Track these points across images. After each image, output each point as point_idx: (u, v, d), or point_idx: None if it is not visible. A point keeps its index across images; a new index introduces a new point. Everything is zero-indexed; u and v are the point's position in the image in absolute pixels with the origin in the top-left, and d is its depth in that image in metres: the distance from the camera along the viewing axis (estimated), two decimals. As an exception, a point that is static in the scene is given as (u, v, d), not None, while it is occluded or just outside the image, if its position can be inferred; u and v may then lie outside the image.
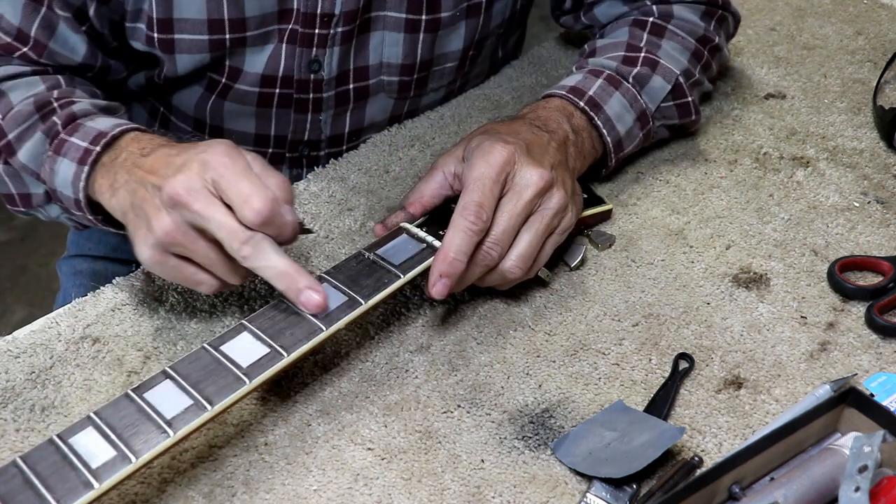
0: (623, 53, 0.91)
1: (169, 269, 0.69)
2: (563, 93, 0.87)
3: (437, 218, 0.78)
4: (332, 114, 0.97)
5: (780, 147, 0.96)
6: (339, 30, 0.89)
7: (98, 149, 0.75)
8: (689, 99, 0.92)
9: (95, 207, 0.77)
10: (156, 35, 0.87)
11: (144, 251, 0.68)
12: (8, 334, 0.75)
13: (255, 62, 0.91)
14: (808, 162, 0.94)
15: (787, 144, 0.96)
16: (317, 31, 0.89)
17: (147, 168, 0.70)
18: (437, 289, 0.71)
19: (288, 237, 0.67)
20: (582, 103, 0.86)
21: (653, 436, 0.65)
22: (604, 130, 0.86)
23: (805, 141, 0.97)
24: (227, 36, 0.87)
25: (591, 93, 0.87)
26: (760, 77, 1.06)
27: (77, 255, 1.11)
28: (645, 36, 0.93)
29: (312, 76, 0.93)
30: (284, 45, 0.90)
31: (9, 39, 0.85)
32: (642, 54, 0.91)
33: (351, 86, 0.95)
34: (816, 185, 0.91)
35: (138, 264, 0.82)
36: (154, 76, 0.94)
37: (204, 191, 0.65)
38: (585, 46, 0.96)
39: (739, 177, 0.92)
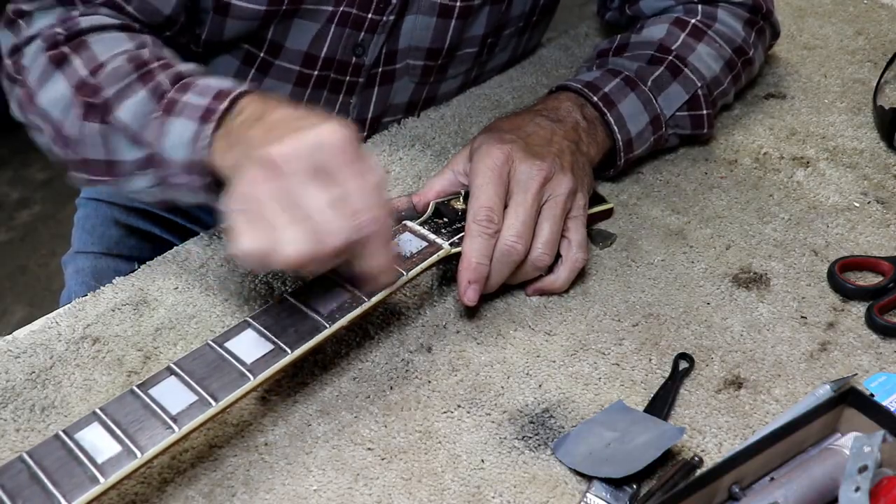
0: (651, 53, 0.91)
1: (247, 221, 0.62)
2: (579, 86, 0.87)
3: (439, 216, 0.78)
4: (360, 97, 0.98)
5: (780, 147, 0.96)
6: (391, 17, 0.91)
7: (224, 105, 0.71)
8: (705, 112, 0.92)
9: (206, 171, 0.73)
10: None
11: (232, 197, 0.63)
12: (8, 334, 0.75)
13: (300, 39, 0.91)
14: (808, 162, 0.94)
15: (787, 144, 0.96)
16: (370, 15, 0.90)
17: (268, 125, 0.66)
18: (468, 295, 0.73)
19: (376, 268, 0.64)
20: (595, 98, 0.86)
21: (653, 436, 0.65)
22: (615, 128, 0.86)
23: (805, 141, 0.97)
24: (283, 7, 0.87)
25: (605, 90, 0.87)
26: (760, 77, 1.06)
27: (80, 252, 1.11)
28: (682, 37, 0.93)
29: (354, 59, 0.93)
30: (333, 26, 0.90)
31: None
32: (670, 57, 0.91)
33: (380, 69, 0.96)
34: (816, 185, 0.91)
35: (140, 262, 0.82)
36: (191, 43, 0.92)
37: (306, 166, 0.61)
38: (618, 37, 0.96)
39: (739, 177, 0.92)
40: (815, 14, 1.19)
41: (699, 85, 0.91)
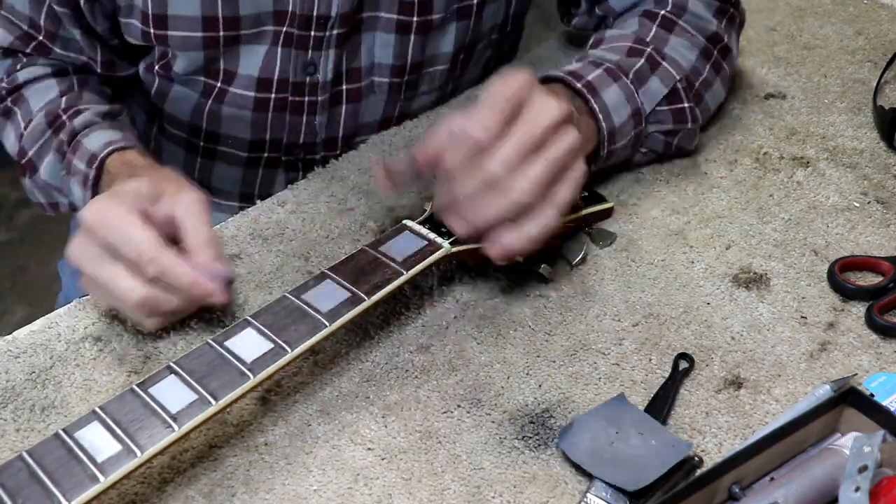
0: (629, 45, 0.90)
1: (87, 283, 0.72)
2: (562, 74, 0.85)
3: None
4: (326, 116, 0.97)
5: (780, 147, 0.96)
6: (335, 32, 0.90)
7: (93, 172, 0.81)
8: (686, 105, 0.89)
9: None
10: (151, 31, 0.87)
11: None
12: (8, 334, 0.75)
13: (250, 64, 0.91)
14: (808, 162, 0.94)
15: (787, 144, 0.96)
16: (312, 33, 0.89)
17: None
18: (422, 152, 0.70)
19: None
20: (579, 85, 0.84)
21: (658, 445, 0.64)
22: (599, 115, 0.83)
23: (805, 141, 0.97)
24: (221, 34, 0.88)
25: (589, 78, 0.85)
26: (760, 77, 1.06)
27: None
28: (654, 29, 0.91)
29: (308, 78, 0.93)
30: (280, 49, 0.90)
31: (25, 27, 0.89)
32: (648, 49, 0.89)
33: (344, 87, 0.95)
34: (816, 185, 0.91)
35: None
36: (152, 78, 0.94)
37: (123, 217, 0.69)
38: (592, 35, 0.94)
39: (739, 177, 0.92)
40: (815, 14, 1.19)
41: (678, 78, 0.88)
